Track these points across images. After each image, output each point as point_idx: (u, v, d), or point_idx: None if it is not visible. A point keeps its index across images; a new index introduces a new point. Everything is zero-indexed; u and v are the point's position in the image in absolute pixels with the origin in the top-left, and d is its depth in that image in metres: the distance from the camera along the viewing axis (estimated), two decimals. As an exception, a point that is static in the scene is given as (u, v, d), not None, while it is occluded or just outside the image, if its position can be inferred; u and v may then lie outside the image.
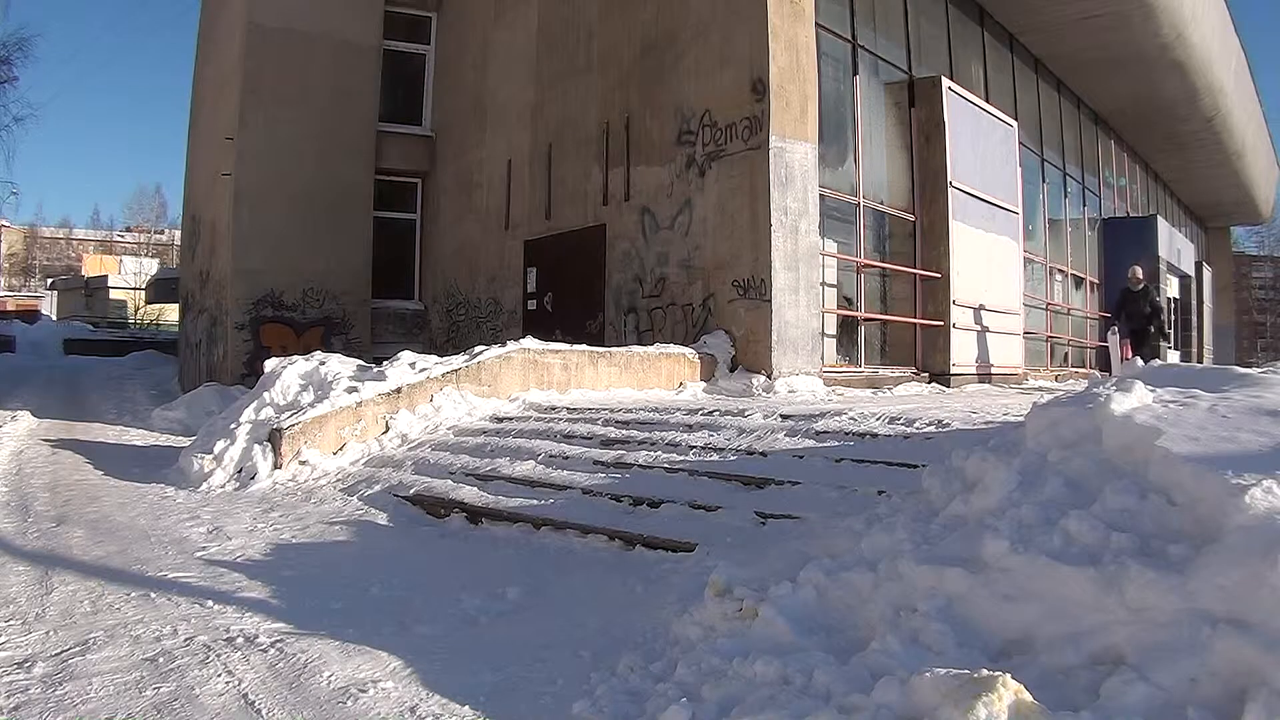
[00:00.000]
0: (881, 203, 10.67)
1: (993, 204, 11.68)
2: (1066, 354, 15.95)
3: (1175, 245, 19.22)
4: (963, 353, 10.84)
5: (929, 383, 10.41)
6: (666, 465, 4.97)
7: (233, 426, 6.45)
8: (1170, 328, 10.80)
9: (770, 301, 8.41)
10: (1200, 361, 19.77)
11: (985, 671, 1.87)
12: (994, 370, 11.48)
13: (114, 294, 40.47)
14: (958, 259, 10.82)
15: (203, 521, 4.85)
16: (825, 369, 9.11)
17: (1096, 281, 17.27)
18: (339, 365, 7.28)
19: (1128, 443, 2.45)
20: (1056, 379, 13.53)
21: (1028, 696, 1.81)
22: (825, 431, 5.08)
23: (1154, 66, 15.36)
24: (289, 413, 6.49)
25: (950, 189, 10.80)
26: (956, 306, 10.76)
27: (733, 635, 2.52)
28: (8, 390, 12.23)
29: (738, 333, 8.73)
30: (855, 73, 10.43)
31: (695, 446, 5.21)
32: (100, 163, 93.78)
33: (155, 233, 55.17)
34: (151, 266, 41.85)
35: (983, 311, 11.28)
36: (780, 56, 8.61)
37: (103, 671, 2.53)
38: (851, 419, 5.25)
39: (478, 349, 7.76)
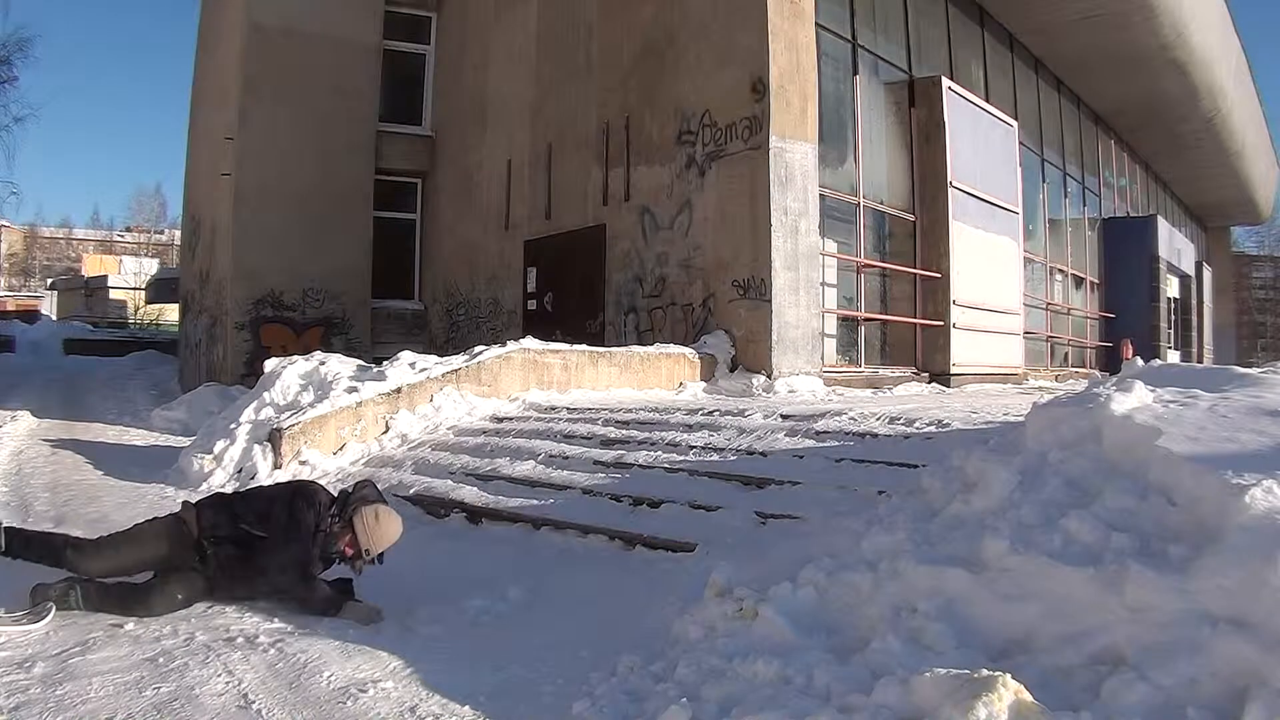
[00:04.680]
0: (881, 203, 10.67)
1: (993, 204, 11.67)
2: (1066, 354, 15.96)
3: (1175, 245, 19.22)
4: (963, 353, 10.84)
5: (929, 383, 10.41)
6: (666, 465, 4.97)
7: (233, 426, 6.44)
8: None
9: (770, 301, 8.41)
10: (1200, 361, 19.78)
11: (985, 671, 1.88)
12: (994, 370, 11.48)
13: (114, 294, 40.42)
14: (958, 259, 10.82)
15: (203, 521, 4.84)
16: (825, 369, 9.11)
17: (1096, 281, 17.28)
18: (339, 365, 7.27)
19: (1128, 443, 2.45)
20: (1056, 379, 13.53)
21: (1028, 696, 1.81)
22: (825, 431, 5.08)
23: (1154, 66, 15.37)
24: (289, 413, 6.49)
25: (950, 189, 10.79)
26: (956, 306, 10.76)
27: (733, 635, 2.51)
28: (8, 390, 12.21)
29: (738, 333, 8.73)
30: (855, 73, 10.43)
31: (695, 446, 5.21)
32: (100, 163, 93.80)
33: (155, 233, 55.12)
34: (151, 266, 41.83)
35: (983, 311, 11.28)
36: (780, 56, 8.60)
37: (103, 671, 2.53)
38: (851, 419, 5.25)
39: (478, 349, 7.76)
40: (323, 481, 5.90)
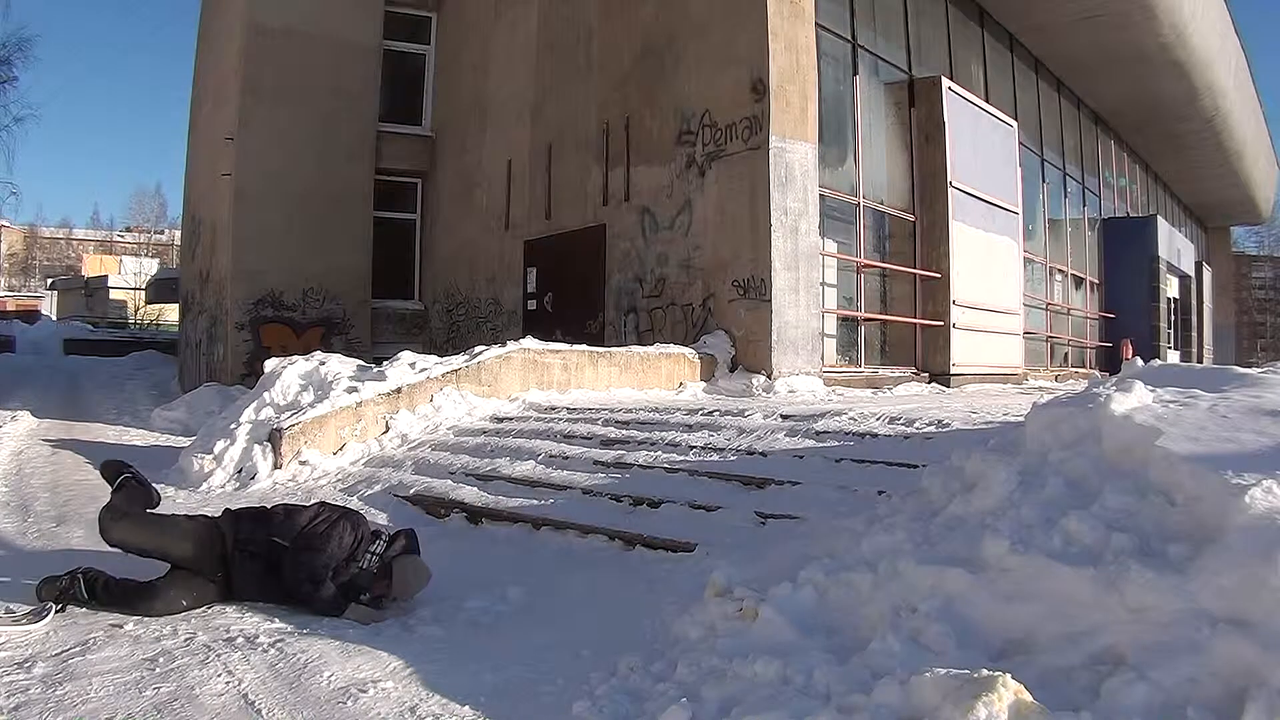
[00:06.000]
0: (881, 203, 10.67)
1: (993, 204, 11.68)
2: (1066, 354, 15.96)
3: (1175, 245, 19.23)
4: (963, 353, 10.84)
5: (929, 383, 10.41)
6: (666, 465, 4.97)
7: (233, 426, 6.44)
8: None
9: (770, 301, 8.41)
10: (1200, 361, 19.77)
11: (985, 671, 1.88)
12: (994, 370, 11.48)
13: (114, 294, 40.42)
14: (958, 259, 10.82)
15: (203, 521, 4.83)
16: (825, 369, 9.11)
17: (1096, 281, 17.29)
18: (339, 365, 7.27)
19: (1128, 443, 2.45)
20: (1056, 379, 13.53)
21: (1028, 696, 1.81)
22: (825, 431, 5.08)
23: (1154, 66, 15.36)
24: (289, 413, 6.49)
25: (950, 189, 10.80)
26: (956, 306, 10.76)
27: (733, 635, 2.51)
28: (8, 390, 12.20)
29: (738, 333, 8.73)
30: (855, 73, 10.43)
31: (695, 446, 5.21)
32: (100, 163, 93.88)
33: (155, 233, 55.12)
34: (151, 266, 41.81)
35: (983, 311, 11.28)
36: (780, 56, 8.61)
37: (103, 671, 2.52)
38: (851, 419, 5.25)
39: (478, 349, 7.76)
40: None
